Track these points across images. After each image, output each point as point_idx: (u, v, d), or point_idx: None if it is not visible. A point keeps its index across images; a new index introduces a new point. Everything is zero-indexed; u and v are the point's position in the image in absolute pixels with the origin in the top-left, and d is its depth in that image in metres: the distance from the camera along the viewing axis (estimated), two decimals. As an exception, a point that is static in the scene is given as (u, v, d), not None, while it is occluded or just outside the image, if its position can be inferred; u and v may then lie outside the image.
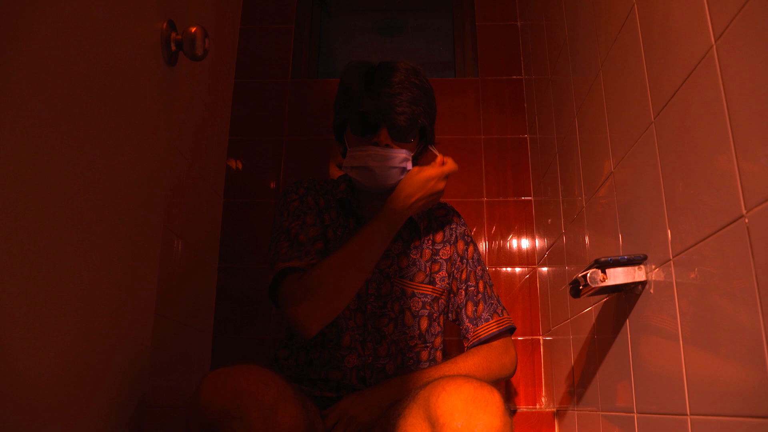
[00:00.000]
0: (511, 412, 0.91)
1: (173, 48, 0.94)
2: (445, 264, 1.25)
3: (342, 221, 1.24)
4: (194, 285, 1.56)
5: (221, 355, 1.64)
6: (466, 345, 1.24)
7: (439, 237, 1.28)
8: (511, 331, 1.24)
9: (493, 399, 0.84)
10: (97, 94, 0.75)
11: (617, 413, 1.01)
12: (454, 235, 1.29)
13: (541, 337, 1.68)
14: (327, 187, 1.30)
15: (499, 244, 1.78)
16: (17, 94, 0.60)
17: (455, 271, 1.26)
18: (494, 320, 1.22)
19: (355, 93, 1.20)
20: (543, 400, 1.64)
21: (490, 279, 1.30)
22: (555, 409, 1.50)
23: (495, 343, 1.21)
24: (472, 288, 1.25)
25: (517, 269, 1.76)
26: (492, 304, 1.24)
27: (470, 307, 1.24)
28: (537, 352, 1.67)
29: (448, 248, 1.27)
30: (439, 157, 1.19)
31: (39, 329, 0.65)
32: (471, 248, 1.29)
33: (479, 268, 1.28)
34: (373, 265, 1.14)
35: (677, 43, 0.76)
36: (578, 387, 1.28)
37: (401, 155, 1.17)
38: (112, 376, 0.82)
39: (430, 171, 1.16)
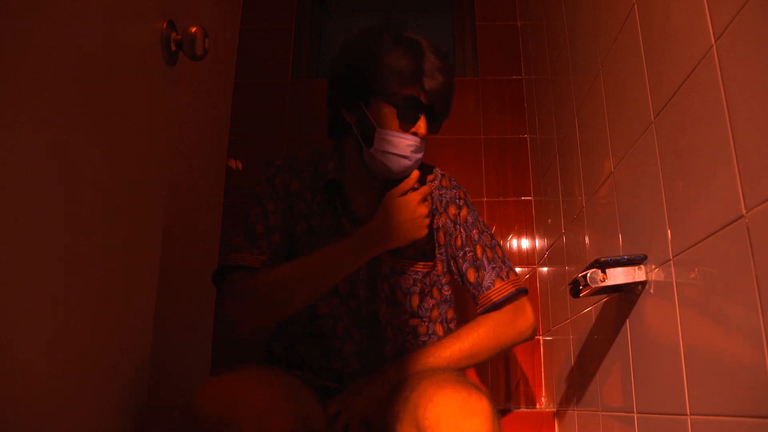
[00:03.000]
0: (500, 413, 0.90)
1: (173, 48, 0.94)
2: (435, 233, 1.18)
3: (326, 204, 1.16)
4: (194, 285, 1.56)
5: (221, 355, 1.64)
6: (477, 311, 1.16)
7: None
8: (521, 292, 1.15)
9: (480, 407, 0.84)
10: (97, 94, 0.75)
11: (617, 413, 1.01)
12: (444, 201, 1.21)
13: (541, 337, 1.68)
14: (305, 165, 1.21)
15: (498, 241, 1.78)
16: (17, 94, 0.60)
17: (450, 239, 1.19)
18: (497, 286, 1.13)
19: (409, 72, 1.08)
20: (543, 400, 1.64)
21: (491, 239, 1.20)
22: (555, 409, 1.50)
23: (506, 308, 1.13)
24: (470, 254, 1.17)
25: (517, 269, 1.76)
26: (494, 268, 1.15)
27: (471, 274, 1.16)
28: (537, 352, 1.67)
29: (437, 216, 1.19)
30: (415, 173, 1.09)
31: (40, 329, 0.65)
32: (464, 211, 1.20)
33: (475, 231, 1.19)
34: (331, 285, 1.09)
35: (677, 43, 0.76)
36: (578, 387, 1.28)
37: (423, 148, 1.13)
38: (112, 376, 0.82)
39: (414, 195, 1.06)
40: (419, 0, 2.24)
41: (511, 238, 1.78)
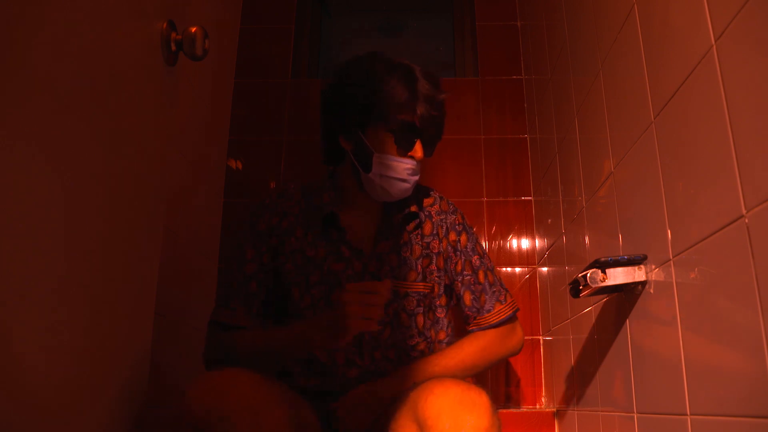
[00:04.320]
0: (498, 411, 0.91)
1: (173, 48, 0.94)
2: (435, 258, 1.21)
3: (321, 235, 1.19)
4: (194, 285, 1.56)
5: (221, 355, 1.64)
6: (467, 329, 1.20)
7: (427, 229, 1.23)
8: (515, 313, 1.21)
9: (480, 400, 0.85)
10: (98, 94, 0.75)
11: (617, 413, 1.01)
12: (444, 227, 1.23)
13: (541, 337, 1.68)
14: (294, 200, 1.23)
15: (499, 244, 1.78)
16: (18, 94, 0.60)
17: (449, 264, 1.22)
18: (496, 310, 1.18)
19: (404, 98, 1.13)
20: (543, 400, 1.64)
21: (490, 262, 1.24)
22: (555, 409, 1.50)
23: (502, 327, 1.18)
24: (469, 278, 1.21)
25: (517, 269, 1.76)
26: (495, 292, 1.20)
27: (468, 296, 1.20)
28: (537, 352, 1.67)
29: (437, 242, 1.22)
30: (387, 292, 1.03)
31: (41, 330, 0.65)
32: (464, 237, 1.24)
33: (476, 257, 1.23)
34: (290, 359, 1.14)
35: (677, 43, 0.76)
36: (578, 387, 1.28)
37: (419, 171, 1.17)
38: (112, 376, 0.82)
39: (375, 298, 0.98)
40: (419, 0, 2.24)
41: (511, 238, 1.78)
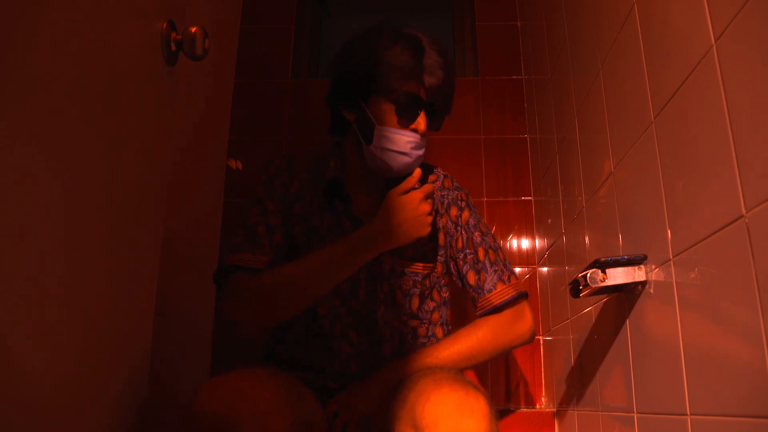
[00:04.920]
0: (497, 413, 0.90)
1: (173, 48, 0.94)
2: (435, 235, 1.17)
3: (326, 204, 1.16)
4: (194, 285, 1.56)
5: (221, 355, 1.64)
6: (476, 314, 1.16)
7: None
8: (522, 296, 1.15)
9: (478, 405, 0.84)
10: (98, 94, 0.75)
11: (617, 413, 1.01)
12: (445, 202, 1.20)
13: (541, 337, 1.68)
14: (304, 165, 1.20)
15: (499, 244, 1.78)
16: (18, 95, 0.60)
17: (451, 240, 1.18)
18: (498, 290, 1.13)
19: (408, 68, 1.08)
20: (543, 400, 1.64)
21: (494, 242, 1.20)
22: (555, 409, 1.50)
23: (506, 311, 1.13)
24: (471, 256, 1.17)
25: (517, 269, 1.76)
26: (496, 270, 1.15)
27: (471, 276, 1.16)
28: (537, 352, 1.67)
29: (438, 218, 1.18)
30: (417, 171, 1.07)
31: (41, 330, 0.65)
32: (466, 213, 1.20)
33: (477, 233, 1.19)
34: (333, 285, 1.08)
35: (677, 43, 0.76)
36: (578, 387, 1.28)
37: (424, 145, 1.12)
38: (112, 376, 0.82)
39: (416, 193, 1.04)
40: (419, 0, 2.24)
41: (511, 238, 1.78)
